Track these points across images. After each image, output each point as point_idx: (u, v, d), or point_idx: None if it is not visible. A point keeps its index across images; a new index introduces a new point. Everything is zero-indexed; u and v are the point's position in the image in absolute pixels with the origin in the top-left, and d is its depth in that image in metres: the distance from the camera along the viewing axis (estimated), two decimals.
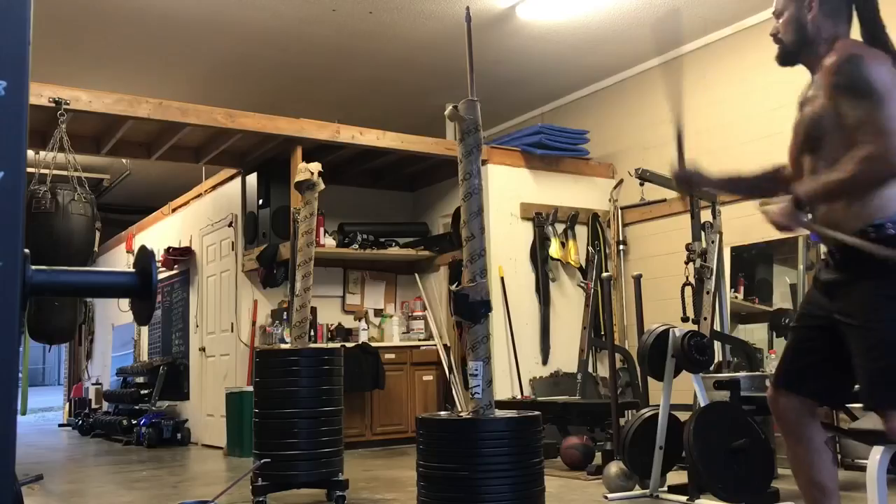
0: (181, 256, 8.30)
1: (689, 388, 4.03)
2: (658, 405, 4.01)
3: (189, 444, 7.75)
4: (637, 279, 4.70)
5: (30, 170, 4.80)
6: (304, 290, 4.42)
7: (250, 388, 5.91)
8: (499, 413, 2.83)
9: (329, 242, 6.85)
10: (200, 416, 7.74)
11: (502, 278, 6.49)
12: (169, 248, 8.31)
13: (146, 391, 8.37)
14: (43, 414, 14.73)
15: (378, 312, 7.64)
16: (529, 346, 6.56)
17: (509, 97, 7.40)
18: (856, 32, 2.20)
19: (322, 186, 4.63)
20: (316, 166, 4.61)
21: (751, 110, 5.84)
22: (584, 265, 6.71)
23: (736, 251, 5.79)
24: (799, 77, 2.28)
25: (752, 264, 5.80)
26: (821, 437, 2.20)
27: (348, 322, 7.38)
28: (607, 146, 7.06)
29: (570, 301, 6.75)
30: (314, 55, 6.42)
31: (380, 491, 4.59)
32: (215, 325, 7.59)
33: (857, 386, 2.10)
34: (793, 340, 2.36)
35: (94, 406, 10.29)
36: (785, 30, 2.23)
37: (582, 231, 6.92)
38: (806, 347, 2.26)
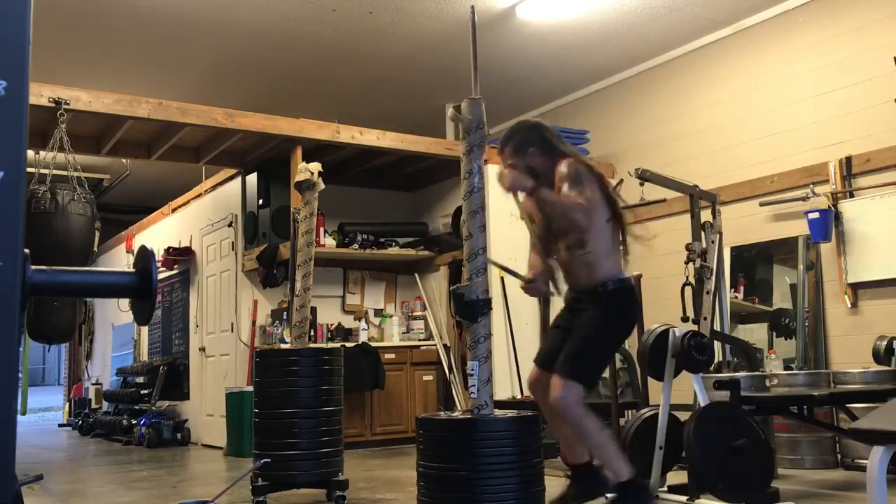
0: (181, 256, 8.30)
1: (689, 388, 4.02)
2: (658, 405, 4.01)
3: (189, 444, 7.75)
4: (637, 279, 4.69)
5: (30, 170, 4.80)
6: (304, 290, 4.42)
7: (250, 388, 5.91)
8: (499, 413, 2.83)
9: (329, 242, 6.85)
10: (200, 416, 7.74)
11: (502, 278, 6.48)
12: (169, 248, 8.31)
13: (146, 391, 8.37)
14: (43, 414, 14.74)
15: (378, 312, 7.64)
16: (529, 345, 6.54)
17: (509, 97, 7.39)
18: None
19: (322, 186, 4.63)
20: (316, 166, 4.61)
21: (751, 110, 5.84)
22: None
23: (736, 251, 5.79)
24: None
25: (752, 264, 5.80)
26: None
27: (348, 322, 7.38)
28: (607, 146, 7.05)
29: None
30: (314, 55, 6.41)
31: (380, 491, 4.59)
32: (215, 325, 7.59)
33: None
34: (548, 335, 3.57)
35: (93, 406, 10.29)
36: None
37: None
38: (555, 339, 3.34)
